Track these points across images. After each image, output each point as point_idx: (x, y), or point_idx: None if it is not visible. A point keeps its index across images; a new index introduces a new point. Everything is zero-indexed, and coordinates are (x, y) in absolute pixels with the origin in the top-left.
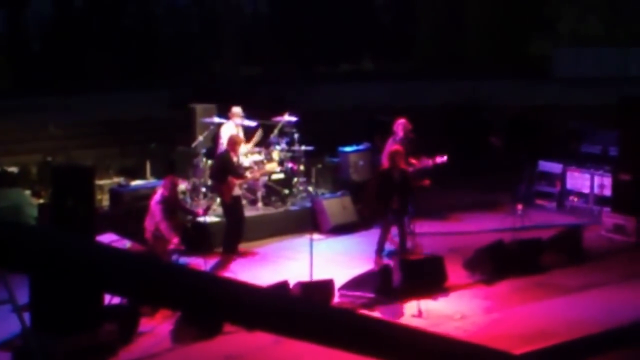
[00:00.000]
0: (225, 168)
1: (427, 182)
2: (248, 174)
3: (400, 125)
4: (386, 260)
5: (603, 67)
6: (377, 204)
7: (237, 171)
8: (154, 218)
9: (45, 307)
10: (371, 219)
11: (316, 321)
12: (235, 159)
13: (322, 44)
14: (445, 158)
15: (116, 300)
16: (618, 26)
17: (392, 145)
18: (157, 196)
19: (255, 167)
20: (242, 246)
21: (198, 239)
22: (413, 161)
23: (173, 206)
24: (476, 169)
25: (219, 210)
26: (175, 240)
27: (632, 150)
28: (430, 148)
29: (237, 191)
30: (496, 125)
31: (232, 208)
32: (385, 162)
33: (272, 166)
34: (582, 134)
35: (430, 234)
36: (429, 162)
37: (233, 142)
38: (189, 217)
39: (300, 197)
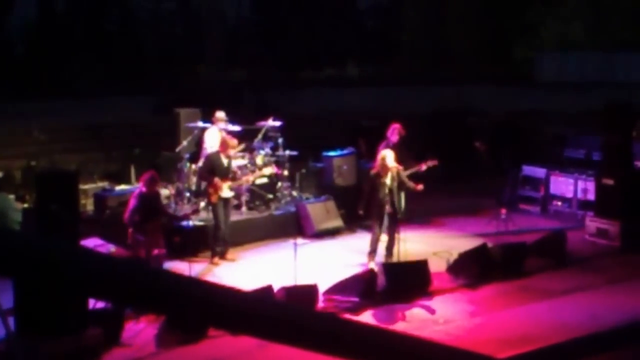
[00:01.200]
0: (212, 168)
1: (420, 186)
2: (248, 177)
3: (395, 130)
4: (377, 264)
5: (587, 72)
6: (370, 207)
7: (226, 171)
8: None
9: (29, 310)
10: (362, 221)
11: (300, 326)
12: (225, 160)
13: (307, 48)
14: (436, 161)
15: (101, 304)
16: (602, 31)
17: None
18: (136, 191)
19: (239, 172)
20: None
21: (182, 242)
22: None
23: (152, 204)
24: (460, 174)
25: (203, 214)
26: (140, 238)
27: (616, 155)
28: (415, 153)
29: (226, 193)
30: (480, 130)
31: (216, 210)
32: (376, 166)
33: (269, 170)
34: (565, 139)
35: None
36: (421, 166)
37: (225, 144)
38: (174, 219)
39: (284, 202)
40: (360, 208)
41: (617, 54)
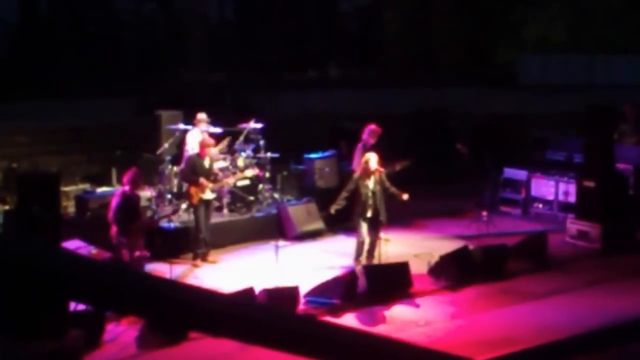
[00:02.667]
0: (194, 170)
1: (405, 195)
2: (230, 179)
3: (370, 131)
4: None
5: (569, 74)
6: (352, 210)
7: (207, 173)
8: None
9: (10, 312)
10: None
11: (280, 329)
12: (206, 161)
13: (288, 50)
14: (407, 162)
15: (82, 306)
16: (584, 33)
17: (361, 152)
18: (118, 190)
19: (221, 174)
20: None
21: (163, 244)
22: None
23: (133, 204)
24: (442, 176)
25: (184, 216)
26: (123, 240)
27: (597, 158)
28: (397, 155)
29: (208, 195)
30: (462, 132)
31: (197, 212)
32: (357, 168)
33: (251, 172)
34: (546, 141)
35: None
36: (394, 167)
37: (203, 145)
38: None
39: (265, 204)
40: (331, 207)
41: (599, 56)
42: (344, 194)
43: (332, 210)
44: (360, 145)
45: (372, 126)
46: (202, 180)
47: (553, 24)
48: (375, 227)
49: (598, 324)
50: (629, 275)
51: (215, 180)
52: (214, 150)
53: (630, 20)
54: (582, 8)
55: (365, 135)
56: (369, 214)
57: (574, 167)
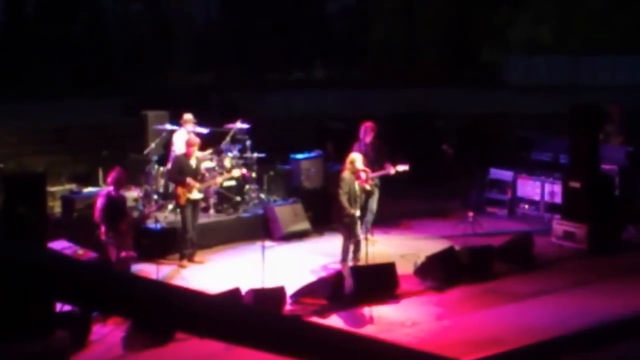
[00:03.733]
0: (181, 170)
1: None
2: (217, 179)
3: (367, 129)
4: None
5: (554, 75)
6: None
7: (194, 173)
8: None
9: None
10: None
11: (266, 329)
12: (193, 161)
13: (274, 51)
14: (407, 166)
15: (68, 307)
16: (569, 34)
17: (358, 150)
18: (103, 190)
19: (207, 174)
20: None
21: (150, 245)
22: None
23: (119, 204)
24: (428, 177)
25: (171, 217)
26: (111, 239)
27: (583, 158)
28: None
29: (195, 195)
30: (448, 133)
31: (184, 212)
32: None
33: (237, 172)
34: (532, 141)
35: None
36: (389, 170)
37: (189, 144)
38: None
39: (252, 204)
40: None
41: (584, 57)
42: (346, 196)
43: (357, 213)
44: (356, 145)
45: (368, 124)
46: (189, 180)
47: (538, 25)
48: (360, 227)
49: (584, 324)
50: (614, 275)
51: (202, 180)
52: (201, 153)
53: (614, 22)
54: (567, 9)
55: (361, 134)
56: (357, 213)
57: (559, 168)
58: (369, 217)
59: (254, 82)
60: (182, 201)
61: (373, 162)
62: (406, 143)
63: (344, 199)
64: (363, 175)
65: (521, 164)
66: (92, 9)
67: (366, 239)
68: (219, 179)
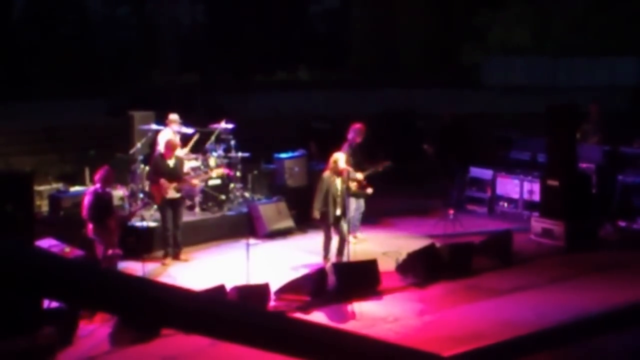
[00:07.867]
0: (156, 170)
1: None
2: (196, 179)
3: (358, 130)
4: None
5: (532, 76)
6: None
7: (171, 173)
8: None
9: None
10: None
11: (250, 325)
12: (171, 162)
13: (259, 53)
14: (389, 162)
15: (55, 303)
16: (546, 36)
17: (347, 150)
18: (90, 188)
19: (193, 173)
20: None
21: (136, 242)
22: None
23: (106, 202)
24: (409, 175)
25: (156, 215)
26: (99, 237)
27: (560, 157)
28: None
29: (172, 194)
30: (428, 132)
31: (162, 211)
32: (328, 167)
33: (219, 171)
34: (511, 141)
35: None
36: (379, 167)
37: (168, 146)
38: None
39: (236, 203)
40: (315, 209)
41: (561, 59)
42: (321, 195)
43: (317, 215)
44: (346, 145)
45: (358, 125)
46: (162, 180)
47: (517, 27)
48: (343, 225)
49: (562, 319)
50: (591, 271)
51: (180, 180)
52: (180, 153)
53: (592, 24)
54: (545, 12)
55: (351, 134)
56: (338, 212)
57: (538, 167)
58: (357, 216)
59: (239, 83)
60: (158, 201)
61: (361, 163)
62: (387, 142)
63: (317, 197)
64: (342, 165)
65: (500, 163)
66: (80, 12)
67: (355, 236)
68: (197, 179)
